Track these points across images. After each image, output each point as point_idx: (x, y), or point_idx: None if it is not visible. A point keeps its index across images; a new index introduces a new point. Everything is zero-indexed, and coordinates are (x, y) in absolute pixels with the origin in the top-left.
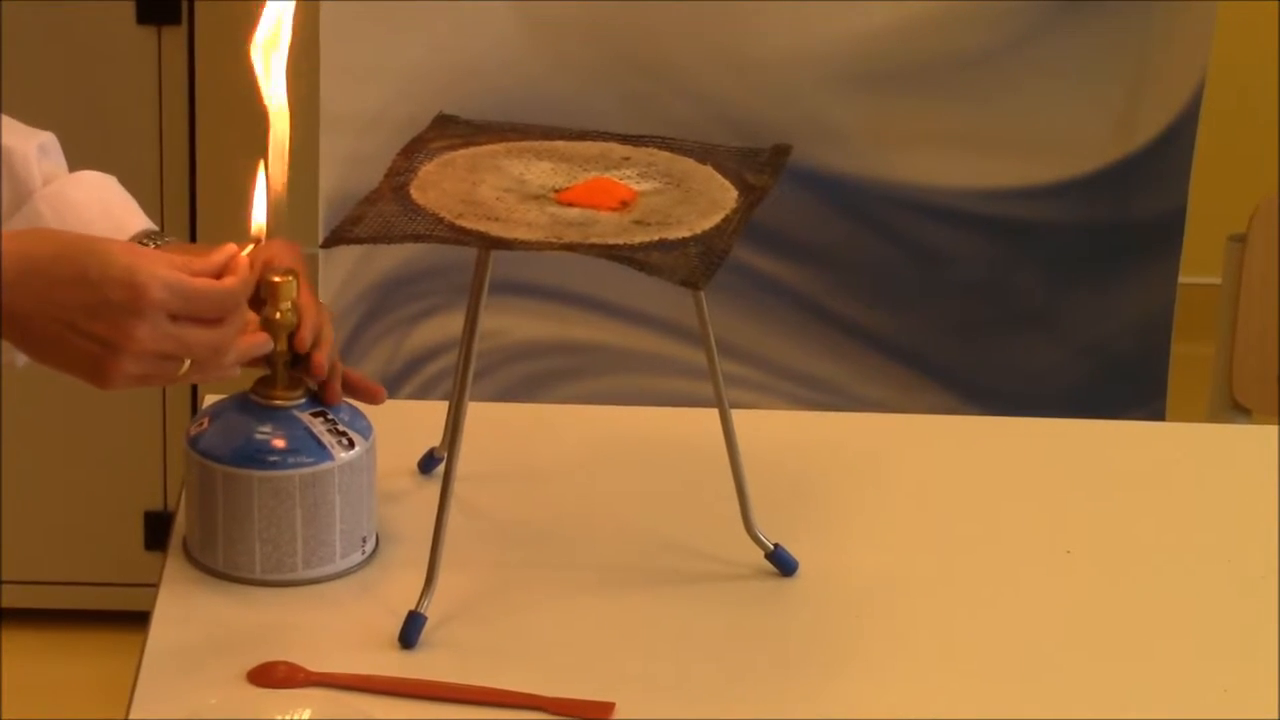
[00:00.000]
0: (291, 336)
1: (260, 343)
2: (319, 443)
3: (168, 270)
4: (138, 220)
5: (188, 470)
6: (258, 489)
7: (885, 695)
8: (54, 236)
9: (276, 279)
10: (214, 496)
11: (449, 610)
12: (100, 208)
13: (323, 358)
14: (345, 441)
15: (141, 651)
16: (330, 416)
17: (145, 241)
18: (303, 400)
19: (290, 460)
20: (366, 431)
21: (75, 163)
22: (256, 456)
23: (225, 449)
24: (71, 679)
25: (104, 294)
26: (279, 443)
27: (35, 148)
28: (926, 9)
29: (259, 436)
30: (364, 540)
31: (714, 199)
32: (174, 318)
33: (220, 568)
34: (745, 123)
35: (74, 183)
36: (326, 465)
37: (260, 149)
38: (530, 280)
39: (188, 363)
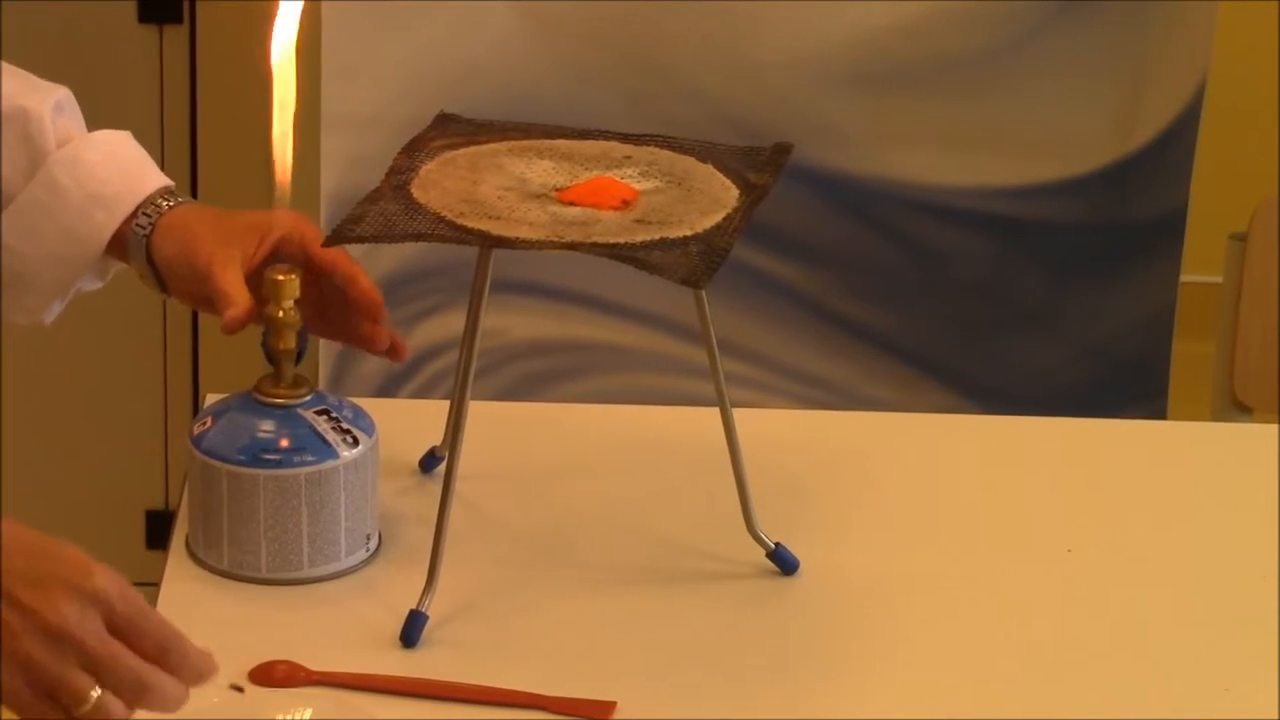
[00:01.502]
0: (299, 334)
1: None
2: (324, 441)
3: (127, 588)
4: (154, 179)
5: (190, 470)
6: (263, 488)
7: (886, 694)
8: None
9: (279, 277)
10: (218, 496)
11: (450, 609)
12: (115, 167)
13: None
14: (350, 439)
15: None
16: (334, 415)
17: (163, 200)
18: (307, 398)
19: (295, 459)
20: (370, 429)
21: None
22: (261, 455)
23: (230, 448)
24: None
25: (54, 566)
26: (284, 441)
27: (51, 107)
28: (927, 9)
29: (263, 435)
30: (368, 538)
31: (715, 198)
32: (110, 626)
33: (226, 567)
34: (746, 122)
35: (88, 144)
36: (332, 463)
37: (263, 149)
38: (531, 279)
39: (96, 692)
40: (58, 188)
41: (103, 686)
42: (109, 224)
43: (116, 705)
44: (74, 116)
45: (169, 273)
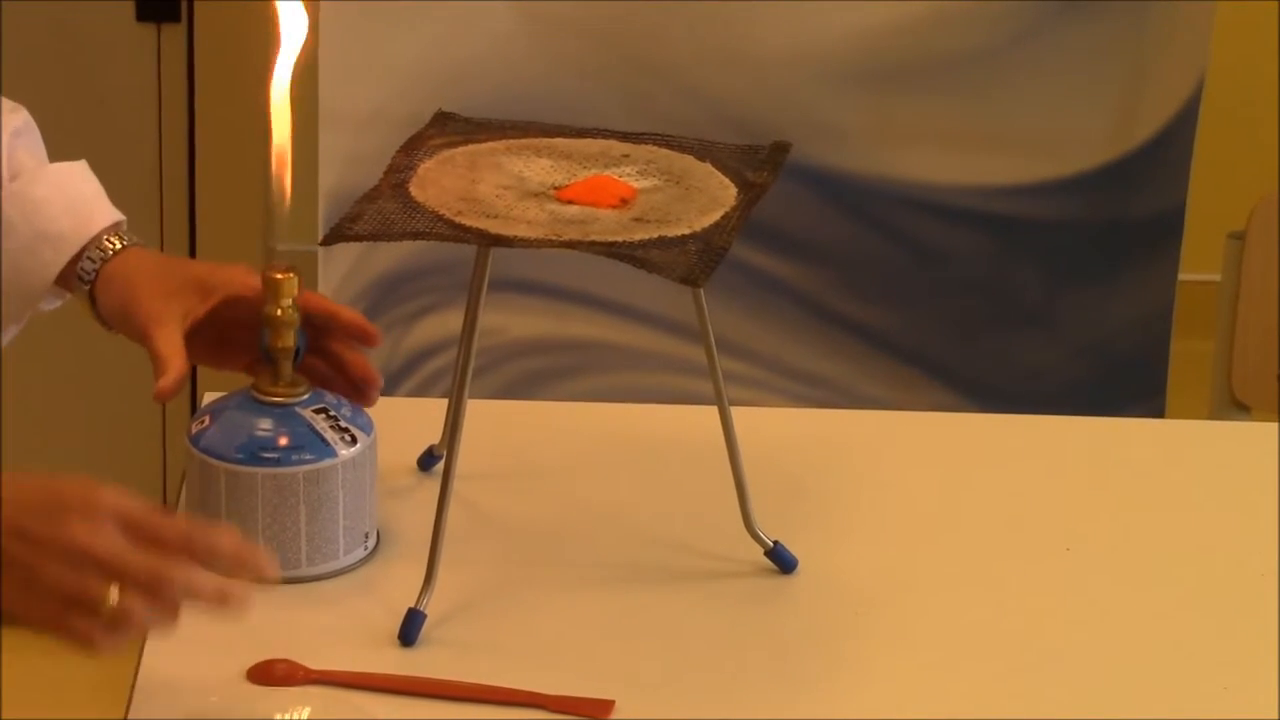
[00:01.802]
0: (297, 333)
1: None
2: (322, 439)
3: (129, 500)
4: (104, 214)
5: (189, 468)
6: (261, 486)
7: (885, 693)
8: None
9: (278, 276)
10: (216, 494)
11: (448, 608)
12: (64, 204)
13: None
14: (348, 438)
15: (140, 650)
16: (332, 413)
17: (109, 242)
18: (305, 396)
19: (293, 457)
20: (368, 427)
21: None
22: (259, 454)
23: (228, 446)
24: (71, 678)
25: (59, 494)
26: (282, 440)
27: (9, 136)
28: (926, 7)
29: (261, 433)
30: (366, 536)
31: (713, 196)
32: (128, 536)
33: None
34: (745, 121)
35: (40, 179)
36: (330, 462)
37: (260, 146)
38: (530, 278)
39: (115, 589)
40: (7, 224)
41: (122, 588)
42: (56, 262)
43: (137, 603)
44: (32, 142)
45: (111, 321)
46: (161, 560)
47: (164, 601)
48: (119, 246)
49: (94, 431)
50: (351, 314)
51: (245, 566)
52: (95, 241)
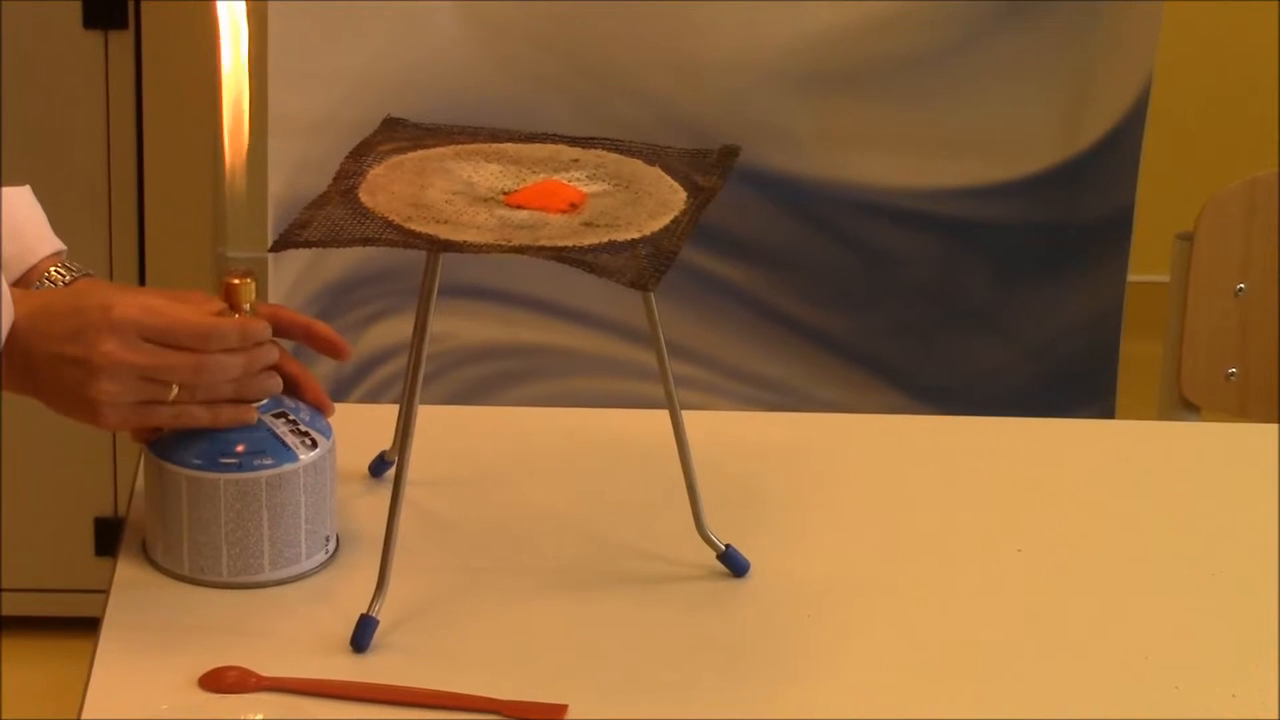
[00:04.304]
0: None
1: (267, 384)
2: (282, 443)
3: (149, 299)
4: (47, 242)
5: (147, 474)
6: (224, 492)
7: (837, 695)
8: (75, 285)
9: (235, 281)
10: (178, 500)
11: (401, 613)
12: (9, 230)
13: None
14: (308, 441)
15: (92, 657)
16: (292, 417)
17: (57, 272)
18: (264, 401)
19: (255, 462)
20: (327, 431)
21: (22, 169)
22: (220, 459)
23: (188, 452)
24: (21, 685)
25: (84, 317)
26: (242, 445)
27: None
28: (873, 10)
29: (222, 439)
30: (327, 539)
31: (663, 200)
32: (148, 340)
33: (186, 572)
34: (694, 124)
35: None
36: (291, 466)
37: (210, 153)
38: (480, 283)
39: (175, 388)
40: None
41: (172, 385)
42: None
43: (198, 410)
44: None
45: None
46: (194, 356)
47: (204, 383)
48: (69, 277)
49: (43, 440)
50: (324, 328)
51: (253, 336)
52: (39, 270)
